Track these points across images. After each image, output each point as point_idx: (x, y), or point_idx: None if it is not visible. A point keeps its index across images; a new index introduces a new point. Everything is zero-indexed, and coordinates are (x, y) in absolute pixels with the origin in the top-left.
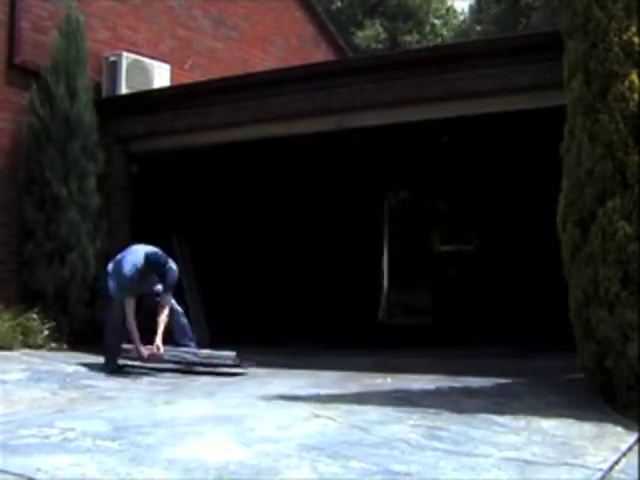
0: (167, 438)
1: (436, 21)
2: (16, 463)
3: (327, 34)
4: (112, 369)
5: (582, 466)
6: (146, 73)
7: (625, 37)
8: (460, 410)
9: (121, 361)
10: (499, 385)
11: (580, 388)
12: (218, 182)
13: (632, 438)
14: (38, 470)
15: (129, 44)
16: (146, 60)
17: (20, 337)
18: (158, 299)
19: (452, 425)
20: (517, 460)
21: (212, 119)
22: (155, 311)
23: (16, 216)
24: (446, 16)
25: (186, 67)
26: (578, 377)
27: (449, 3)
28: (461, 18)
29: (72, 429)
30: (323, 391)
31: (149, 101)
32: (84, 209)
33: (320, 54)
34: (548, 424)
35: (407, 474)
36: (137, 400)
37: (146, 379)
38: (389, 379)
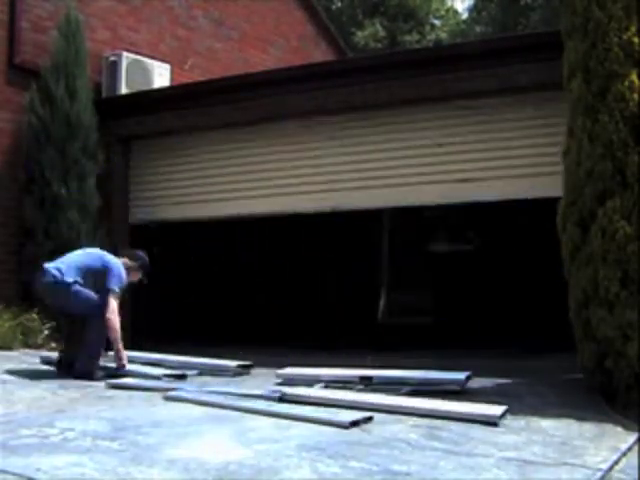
0: (167, 438)
1: (436, 21)
2: (16, 463)
3: (327, 34)
4: (108, 374)
5: (582, 466)
6: (146, 73)
7: (625, 37)
8: None
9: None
10: (499, 385)
11: (580, 388)
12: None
13: (632, 438)
14: (38, 470)
15: (129, 44)
16: (146, 60)
17: (20, 337)
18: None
19: (452, 425)
20: (517, 460)
21: (212, 119)
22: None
23: (16, 216)
24: (446, 16)
25: (186, 67)
26: (578, 377)
27: (449, 3)
28: (462, 18)
29: (72, 429)
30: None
31: (149, 101)
32: (84, 209)
33: (320, 54)
34: (548, 424)
35: (407, 474)
36: (137, 400)
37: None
38: None
